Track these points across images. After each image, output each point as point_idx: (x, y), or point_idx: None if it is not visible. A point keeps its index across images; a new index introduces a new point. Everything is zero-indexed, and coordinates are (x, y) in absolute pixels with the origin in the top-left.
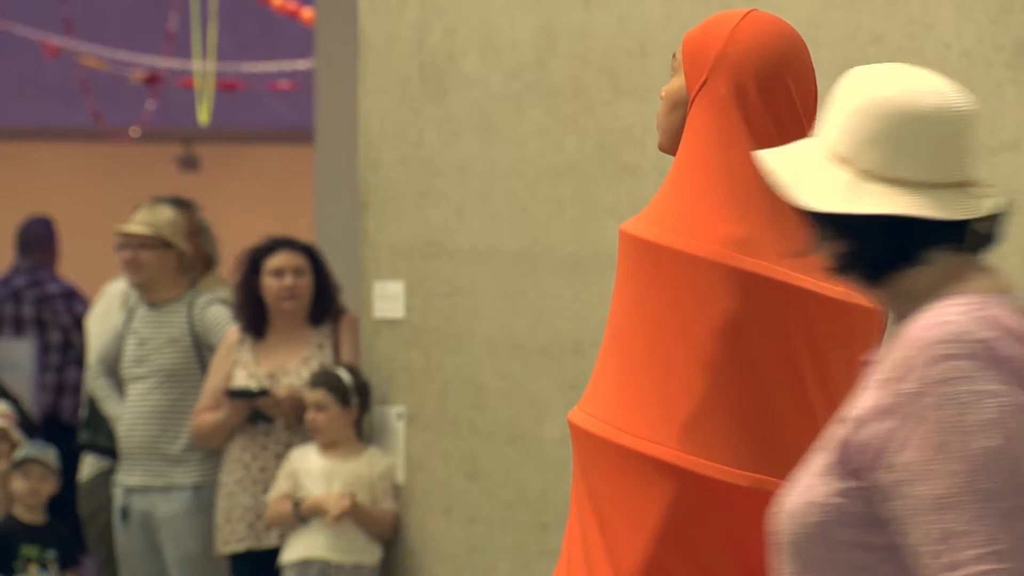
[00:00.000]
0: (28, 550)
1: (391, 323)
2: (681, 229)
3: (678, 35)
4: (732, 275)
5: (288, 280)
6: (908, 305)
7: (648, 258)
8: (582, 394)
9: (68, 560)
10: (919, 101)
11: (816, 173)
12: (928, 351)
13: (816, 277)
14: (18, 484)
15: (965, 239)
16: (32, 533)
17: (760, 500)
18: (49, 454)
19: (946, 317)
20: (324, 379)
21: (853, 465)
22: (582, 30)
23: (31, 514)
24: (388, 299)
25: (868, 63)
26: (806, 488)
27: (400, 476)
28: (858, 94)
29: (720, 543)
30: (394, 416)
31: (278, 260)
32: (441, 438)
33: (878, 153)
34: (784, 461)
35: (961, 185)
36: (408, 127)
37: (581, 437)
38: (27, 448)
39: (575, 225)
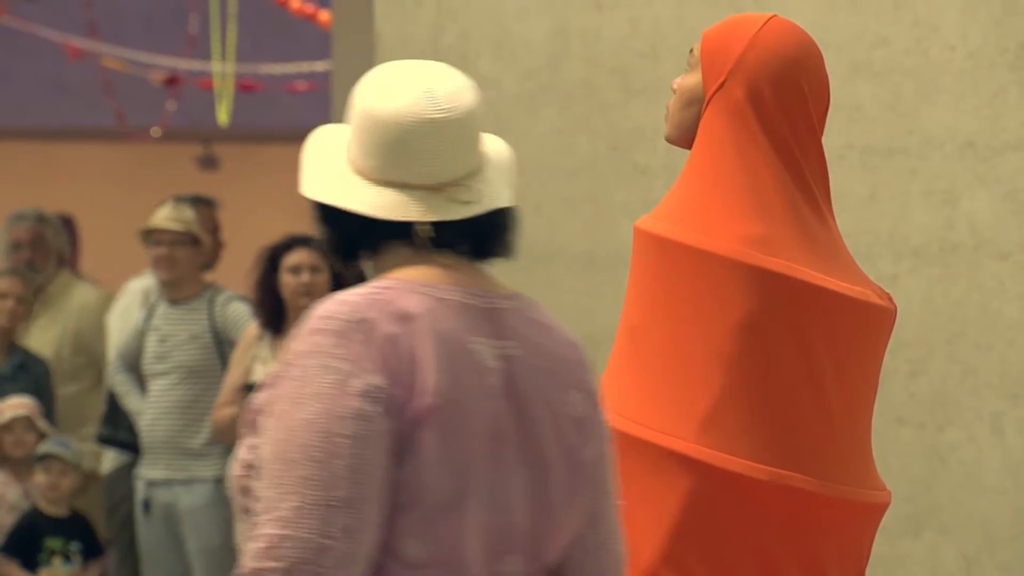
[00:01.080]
0: (52, 542)
1: None
2: (700, 228)
3: (689, 37)
4: (751, 273)
5: (305, 277)
6: None
7: (667, 255)
8: None
9: (91, 552)
10: (382, 105)
11: (329, 161)
12: (308, 325)
13: (834, 276)
14: (39, 478)
15: (412, 236)
16: (55, 526)
17: (777, 494)
18: (68, 449)
19: (343, 296)
20: None
21: (252, 425)
22: (594, 32)
23: (54, 507)
24: None
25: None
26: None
27: None
28: (356, 90)
29: (737, 536)
30: None
31: (295, 258)
32: None
33: (354, 148)
34: (801, 456)
35: (437, 188)
36: None
37: None
38: (47, 443)
39: (587, 224)
